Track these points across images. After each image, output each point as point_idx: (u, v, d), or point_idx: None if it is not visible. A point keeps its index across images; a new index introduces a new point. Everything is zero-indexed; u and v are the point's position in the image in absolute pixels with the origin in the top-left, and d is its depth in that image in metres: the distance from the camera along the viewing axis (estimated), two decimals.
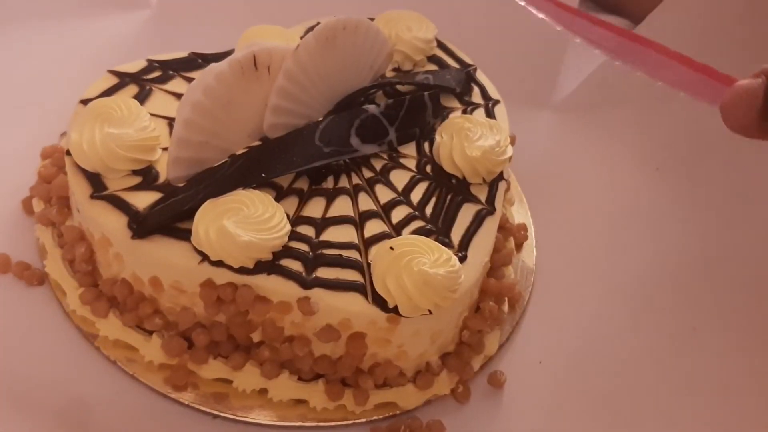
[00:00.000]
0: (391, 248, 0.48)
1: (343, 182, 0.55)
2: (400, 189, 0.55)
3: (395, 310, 0.48)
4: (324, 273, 0.49)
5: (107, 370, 0.53)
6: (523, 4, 0.43)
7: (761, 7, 0.72)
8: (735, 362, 0.59)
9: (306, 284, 0.48)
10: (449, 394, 0.55)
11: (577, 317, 0.61)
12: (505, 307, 0.60)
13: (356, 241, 0.51)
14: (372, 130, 0.56)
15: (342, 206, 0.53)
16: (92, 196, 0.50)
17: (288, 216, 0.50)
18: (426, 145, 0.59)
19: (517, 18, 0.82)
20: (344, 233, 0.51)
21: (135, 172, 0.52)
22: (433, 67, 0.66)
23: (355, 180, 0.56)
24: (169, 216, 0.49)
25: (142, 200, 0.50)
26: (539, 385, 0.57)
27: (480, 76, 0.66)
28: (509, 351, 0.59)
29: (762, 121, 0.26)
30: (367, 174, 0.56)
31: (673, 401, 0.57)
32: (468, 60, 0.68)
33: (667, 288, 0.64)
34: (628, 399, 0.57)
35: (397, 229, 0.52)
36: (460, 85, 0.63)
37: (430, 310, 0.47)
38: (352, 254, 0.50)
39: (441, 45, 0.68)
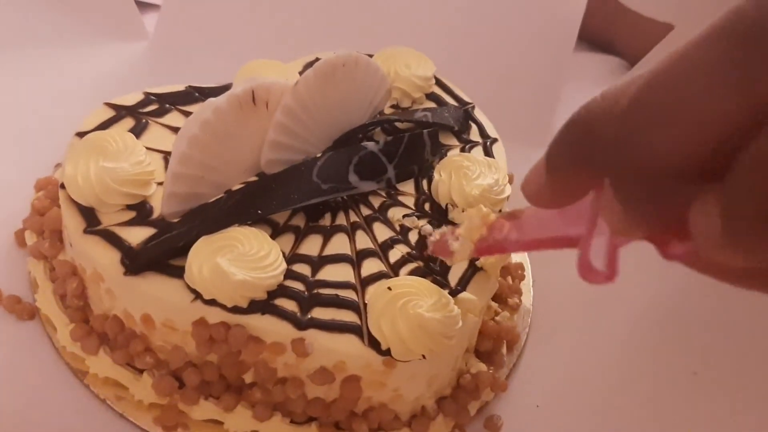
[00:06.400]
0: (389, 288, 0.47)
1: (341, 219, 0.55)
2: (398, 227, 0.55)
3: (390, 352, 0.47)
4: (319, 313, 0.48)
5: (96, 408, 0.52)
6: None
7: None
8: (736, 408, 0.58)
9: (301, 325, 0.47)
10: None
11: (575, 360, 0.61)
12: (504, 350, 0.59)
13: (353, 281, 0.50)
14: (370, 167, 0.55)
15: (339, 244, 0.53)
16: (85, 231, 0.49)
17: (284, 254, 0.49)
18: (424, 183, 0.58)
19: (514, 57, 0.83)
20: (341, 272, 0.51)
21: (129, 207, 0.51)
22: (431, 104, 0.66)
23: (353, 217, 0.55)
24: (162, 252, 0.48)
25: (136, 236, 0.49)
26: (536, 429, 0.56)
27: (478, 114, 0.66)
28: (506, 394, 0.58)
29: (549, 191, 0.30)
30: (365, 211, 0.55)
31: None
32: (466, 98, 0.67)
33: (667, 331, 0.63)
34: None
35: (395, 269, 0.51)
36: (458, 123, 0.63)
37: (423, 355, 0.46)
38: (349, 294, 0.49)
39: (439, 82, 0.68)
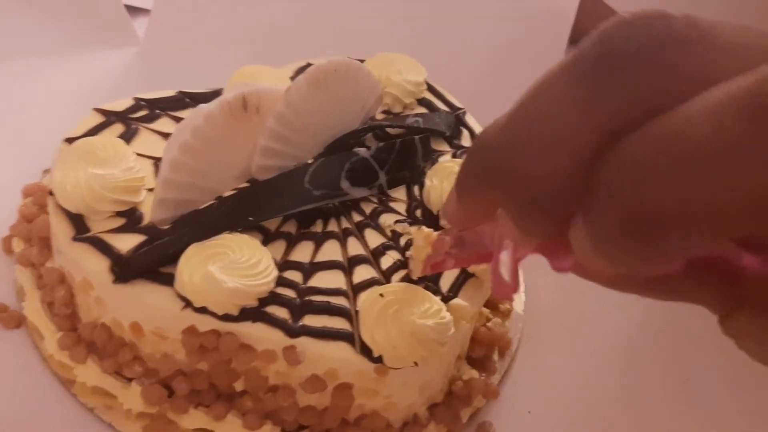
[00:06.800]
0: (381, 295, 0.47)
1: (332, 226, 0.54)
2: (389, 233, 0.54)
3: (382, 359, 0.47)
4: (311, 321, 0.47)
5: (84, 417, 0.51)
6: None
7: None
8: (727, 415, 0.58)
9: (292, 332, 0.46)
10: None
11: (567, 366, 0.60)
12: (496, 356, 0.59)
13: (345, 287, 0.50)
14: (362, 173, 0.55)
15: (331, 251, 0.52)
16: (74, 238, 0.49)
17: (275, 261, 0.49)
18: (416, 189, 0.58)
19: (505, 62, 0.83)
20: (332, 279, 0.50)
21: (119, 214, 0.50)
22: (422, 110, 0.65)
23: (345, 224, 0.55)
24: (152, 260, 0.47)
25: (126, 243, 0.49)
26: None
27: (469, 119, 0.66)
28: (498, 401, 0.57)
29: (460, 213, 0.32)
30: (357, 218, 0.55)
31: None
32: (457, 103, 0.67)
33: (659, 338, 0.63)
34: None
35: (387, 275, 0.51)
36: (449, 128, 0.63)
37: (416, 362, 0.46)
38: (341, 301, 0.49)
39: (430, 88, 0.67)
